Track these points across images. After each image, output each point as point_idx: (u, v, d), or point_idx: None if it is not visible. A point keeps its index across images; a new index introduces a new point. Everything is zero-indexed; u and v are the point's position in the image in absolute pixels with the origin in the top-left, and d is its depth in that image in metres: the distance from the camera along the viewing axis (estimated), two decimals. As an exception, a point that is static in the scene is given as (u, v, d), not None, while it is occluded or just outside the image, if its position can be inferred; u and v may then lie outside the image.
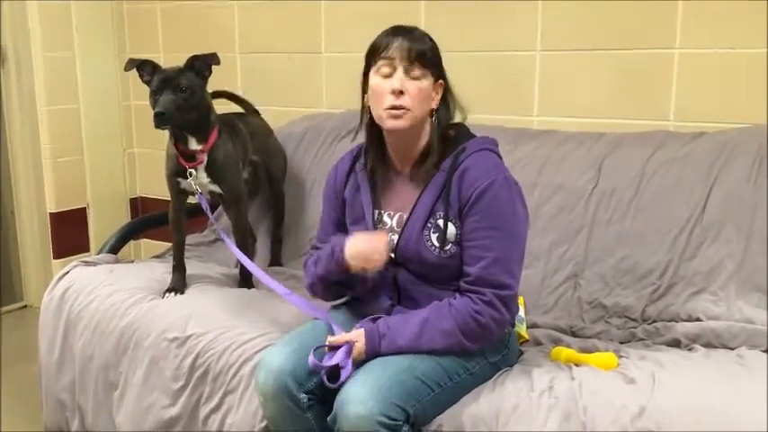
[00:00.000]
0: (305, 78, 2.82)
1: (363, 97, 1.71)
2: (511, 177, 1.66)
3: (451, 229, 1.64)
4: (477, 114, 2.49)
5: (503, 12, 2.50)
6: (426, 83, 1.63)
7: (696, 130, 2.17)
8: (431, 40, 1.67)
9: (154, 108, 2.06)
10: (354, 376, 1.54)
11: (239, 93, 2.72)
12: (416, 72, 1.62)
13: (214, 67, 2.19)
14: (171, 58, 3.29)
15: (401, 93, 1.60)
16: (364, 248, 1.64)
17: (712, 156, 2.05)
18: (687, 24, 2.23)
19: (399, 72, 1.61)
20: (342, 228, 1.82)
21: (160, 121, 2.04)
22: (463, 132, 1.73)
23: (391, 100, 1.61)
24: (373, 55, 1.65)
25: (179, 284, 2.21)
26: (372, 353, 1.59)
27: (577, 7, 2.38)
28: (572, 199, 2.16)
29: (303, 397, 1.59)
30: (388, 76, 1.62)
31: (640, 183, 2.09)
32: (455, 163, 1.65)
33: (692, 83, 2.25)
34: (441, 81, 1.68)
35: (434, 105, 1.67)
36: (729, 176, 2.00)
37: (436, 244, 1.65)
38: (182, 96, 2.08)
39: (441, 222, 1.64)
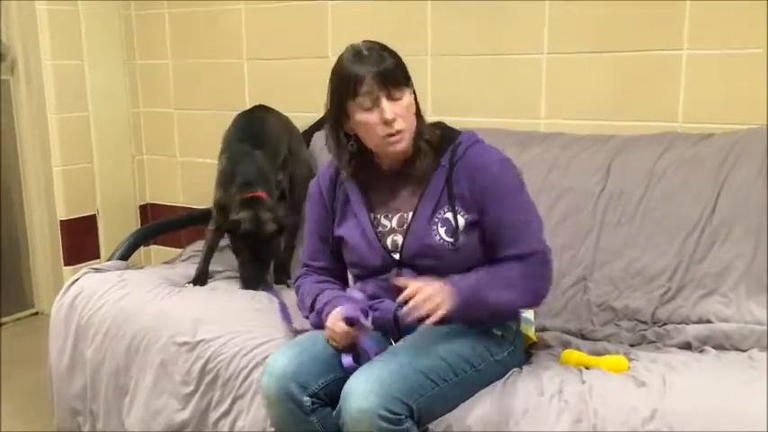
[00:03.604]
0: (313, 83, 2.82)
1: (335, 123, 1.71)
2: (509, 158, 1.73)
3: (460, 220, 1.67)
4: (483, 118, 2.53)
5: (509, 14, 2.50)
6: (409, 96, 1.67)
7: (704, 132, 2.16)
8: (392, 53, 1.66)
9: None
10: (357, 372, 1.54)
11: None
12: (397, 93, 1.63)
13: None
14: (179, 63, 3.33)
15: (392, 120, 1.63)
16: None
17: (721, 156, 2.04)
18: (694, 25, 2.22)
19: (384, 102, 1.62)
20: (332, 243, 1.82)
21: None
22: (448, 129, 1.77)
23: (385, 129, 1.63)
24: (348, 90, 1.64)
25: (203, 278, 2.38)
26: (457, 294, 1.56)
27: (584, 9, 2.37)
28: (580, 202, 2.15)
29: (306, 400, 1.59)
30: (371, 108, 1.63)
31: (649, 185, 2.09)
32: (453, 157, 1.69)
33: (699, 84, 2.24)
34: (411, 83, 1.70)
35: (414, 111, 1.70)
36: (738, 177, 1.99)
37: (445, 237, 1.67)
38: None
39: (449, 216, 1.67)
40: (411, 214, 1.71)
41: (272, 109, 2.69)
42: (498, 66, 2.56)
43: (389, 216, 1.75)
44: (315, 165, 2.70)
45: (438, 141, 1.73)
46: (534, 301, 1.72)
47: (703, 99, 2.24)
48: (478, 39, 2.57)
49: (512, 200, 1.68)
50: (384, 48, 1.67)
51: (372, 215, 1.76)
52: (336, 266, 1.86)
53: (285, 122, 2.69)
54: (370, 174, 1.78)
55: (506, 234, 1.67)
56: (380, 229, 1.75)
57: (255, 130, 2.53)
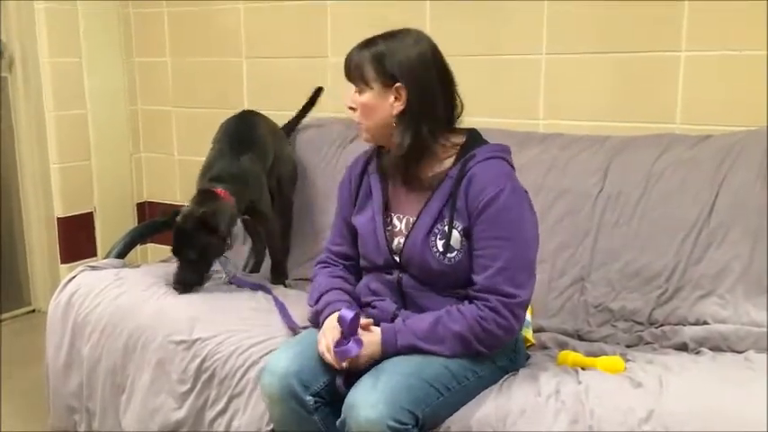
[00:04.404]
0: (311, 82, 2.83)
1: None
2: (520, 186, 1.65)
3: (456, 235, 1.64)
4: (482, 118, 2.51)
5: (508, 14, 2.50)
6: (367, 95, 1.66)
7: (702, 133, 2.17)
8: (379, 48, 1.64)
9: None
10: (363, 380, 1.54)
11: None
12: (360, 86, 1.68)
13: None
14: (177, 62, 3.32)
15: (352, 108, 1.69)
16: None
17: (719, 158, 2.04)
18: (693, 26, 2.22)
19: (352, 88, 1.69)
20: (354, 230, 1.82)
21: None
22: (474, 138, 1.72)
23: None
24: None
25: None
26: (390, 347, 1.60)
27: (583, 9, 2.37)
28: (578, 202, 2.15)
29: (309, 399, 1.59)
30: None
31: (647, 186, 2.09)
32: (463, 170, 1.64)
33: (698, 85, 2.25)
34: (398, 85, 1.63)
35: (395, 112, 1.65)
36: (736, 179, 1.99)
37: (441, 250, 1.65)
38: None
39: (447, 229, 1.64)
40: (415, 220, 1.70)
41: (259, 113, 2.65)
42: (497, 66, 2.56)
43: (401, 217, 1.74)
44: (298, 162, 2.70)
45: (458, 150, 1.69)
46: (482, 347, 1.60)
47: (702, 100, 2.25)
48: (477, 39, 2.57)
49: (494, 230, 1.60)
50: (373, 43, 1.67)
51: (387, 213, 1.75)
52: (356, 254, 1.84)
53: (272, 126, 2.64)
54: (395, 173, 1.76)
55: (475, 261, 1.62)
56: (391, 228, 1.74)
57: (245, 134, 2.49)
